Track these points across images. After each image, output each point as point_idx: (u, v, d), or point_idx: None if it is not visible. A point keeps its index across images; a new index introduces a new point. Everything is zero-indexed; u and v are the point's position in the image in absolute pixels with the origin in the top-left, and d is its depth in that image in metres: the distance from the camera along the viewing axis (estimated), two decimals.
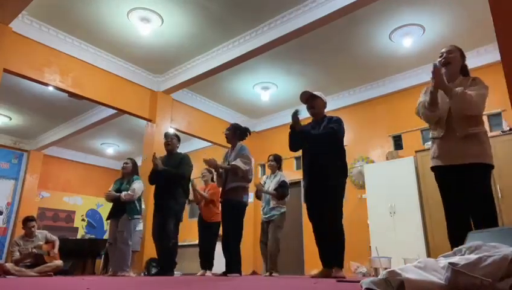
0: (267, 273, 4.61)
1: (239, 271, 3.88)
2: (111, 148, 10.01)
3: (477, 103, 2.36)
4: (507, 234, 1.44)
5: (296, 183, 7.05)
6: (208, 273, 4.94)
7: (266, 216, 4.79)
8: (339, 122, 3.34)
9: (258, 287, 1.93)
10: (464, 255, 1.27)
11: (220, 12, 4.95)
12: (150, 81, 6.61)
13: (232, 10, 4.94)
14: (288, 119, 8.14)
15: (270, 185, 4.87)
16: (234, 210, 3.88)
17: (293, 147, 3.49)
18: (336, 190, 3.22)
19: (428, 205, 5.28)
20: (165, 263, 4.23)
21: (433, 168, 2.61)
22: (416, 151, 5.67)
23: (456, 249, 1.37)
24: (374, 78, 6.62)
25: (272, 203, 4.77)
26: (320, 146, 3.26)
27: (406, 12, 4.94)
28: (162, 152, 6.12)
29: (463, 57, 2.65)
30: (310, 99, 3.46)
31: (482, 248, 1.26)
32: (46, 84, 5.49)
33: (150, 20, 5.02)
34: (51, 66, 5.39)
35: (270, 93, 6.99)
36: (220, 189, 4.22)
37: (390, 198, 5.61)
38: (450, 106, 2.44)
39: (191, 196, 4.84)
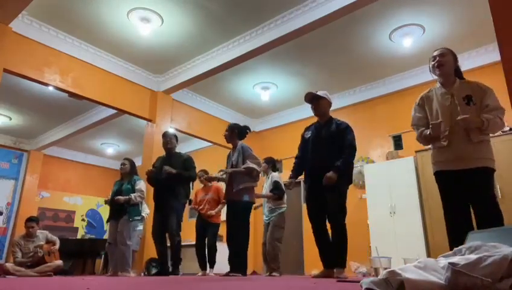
0: (267, 274, 4.63)
1: (245, 272, 3.86)
2: (111, 148, 10.02)
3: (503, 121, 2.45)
4: (507, 234, 1.44)
5: (295, 184, 7.04)
6: (211, 272, 4.94)
7: (266, 218, 4.86)
8: (350, 131, 3.30)
9: (257, 287, 1.93)
10: (464, 255, 1.27)
11: (220, 12, 4.95)
12: (150, 81, 6.61)
13: (232, 10, 4.94)
14: (289, 119, 8.16)
15: (265, 187, 4.95)
16: (245, 211, 3.87)
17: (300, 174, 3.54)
18: (339, 192, 3.20)
19: (428, 205, 5.28)
20: (172, 262, 4.25)
21: (435, 173, 2.62)
22: (416, 151, 5.67)
23: (456, 249, 1.37)
24: (374, 78, 6.62)
25: (268, 206, 4.82)
26: (325, 149, 3.24)
27: (406, 13, 4.94)
28: (161, 152, 6.11)
29: (456, 59, 2.65)
30: (314, 100, 3.41)
31: (482, 248, 1.26)
32: (46, 84, 5.49)
33: (150, 20, 5.02)
34: (51, 66, 5.39)
35: (270, 93, 6.99)
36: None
37: (390, 198, 5.62)
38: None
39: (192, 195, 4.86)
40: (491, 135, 2.51)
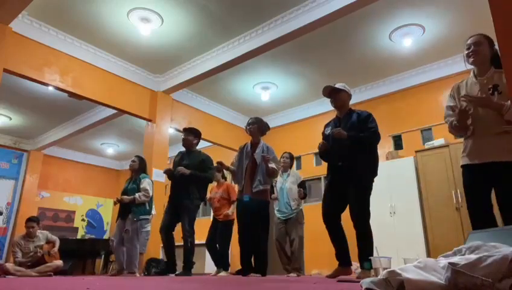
0: (294, 274, 4.54)
1: (265, 272, 3.83)
2: (111, 148, 10.01)
3: None
4: (507, 234, 1.43)
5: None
6: (223, 273, 4.89)
7: (284, 215, 4.72)
8: (373, 119, 3.16)
9: (257, 287, 1.93)
10: (464, 255, 1.27)
11: (220, 12, 4.95)
12: (150, 81, 6.61)
13: (232, 10, 4.94)
14: (289, 119, 8.16)
15: (285, 182, 4.81)
16: (266, 212, 3.82)
17: (326, 159, 3.36)
18: (366, 190, 3.11)
19: (429, 205, 5.29)
20: (184, 263, 4.23)
21: (462, 166, 2.51)
22: (416, 151, 5.67)
23: (456, 249, 1.37)
24: (374, 78, 6.62)
25: (294, 204, 4.69)
26: (346, 143, 3.08)
27: (406, 12, 4.94)
28: (161, 152, 6.11)
29: (492, 46, 2.49)
30: (332, 93, 3.31)
31: (482, 248, 1.26)
32: (46, 84, 5.49)
33: (150, 20, 5.02)
34: (51, 66, 5.39)
35: (270, 93, 6.99)
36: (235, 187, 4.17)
37: (390, 198, 5.62)
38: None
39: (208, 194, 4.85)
40: None
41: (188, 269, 4.22)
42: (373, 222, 5.81)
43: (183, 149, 4.62)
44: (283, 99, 7.35)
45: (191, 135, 4.53)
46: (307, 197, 7.06)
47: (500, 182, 2.31)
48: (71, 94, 5.91)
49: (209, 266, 4.96)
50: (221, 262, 4.92)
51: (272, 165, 3.76)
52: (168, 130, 6.72)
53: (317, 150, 3.35)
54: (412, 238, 5.23)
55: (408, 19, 5.06)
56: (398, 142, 6.44)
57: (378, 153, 3.25)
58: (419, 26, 5.19)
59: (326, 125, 3.44)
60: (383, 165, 6.03)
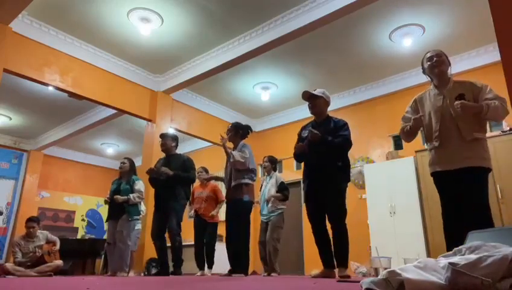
0: (265, 274, 4.63)
1: (246, 271, 3.87)
2: (111, 148, 10.02)
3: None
4: (507, 234, 1.44)
5: (296, 184, 7.05)
6: (208, 272, 4.95)
7: (265, 217, 4.82)
8: (347, 128, 3.30)
9: (257, 287, 1.93)
10: (464, 255, 1.27)
11: (220, 12, 4.95)
12: (150, 81, 6.61)
13: (232, 10, 4.94)
14: (288, 119, 8.15)
15: (267, 186, 4.91)
16: (245, 210, 3.88)
17: (300, 160, 3.47)
18: (339, 191, 3.19)
19: (428, 205, 5.28)
20: (173, 263, 4.27)
21: (432, 174, 2.65)
22: (416, 151, 5.67)
23: (456, 249, 1.37)
24: (374, 78, 6.62)
25: (271, 206, 4.77)
26: (325, 149, 3.18)
27: (406, 12, 4.94)
28: (161, 152, 6.11)
29: (448, 61, 2.70)
30: (311, 98, 3.39)
31: (482, 248, 1.26)
32: (46, 84, 5.49)
33: (150, 20, 5.03)
34: (51, 66, 5.39)
35: (270, 93, 6.99)
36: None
37: (390, 198, 5.62)
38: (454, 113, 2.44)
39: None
40: (494, 123, 2.53)
41: (178, 267, 4.29)
42: (373, 222, 5.86)
43: (174, 152, 4.65)
44: (283, 99, 7.35)
45: (169, 139, 4.59)
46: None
47: (465, 186, 2.43)
48: (71, 94, 5.91)
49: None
50: (209, 262, 4.96)
51: (236, 158, 3.81)
52: (168, 130, 6.72)
53: None
54: (412, 238, 5.23)
55: (408, 19, 5.07)
56: (398, 142, 6.44)
57: (350, 161, 3.39)
58: (419, 26, 5.19)
59: (304, 128, 3.50)
60: (383, 165, 6.06)
